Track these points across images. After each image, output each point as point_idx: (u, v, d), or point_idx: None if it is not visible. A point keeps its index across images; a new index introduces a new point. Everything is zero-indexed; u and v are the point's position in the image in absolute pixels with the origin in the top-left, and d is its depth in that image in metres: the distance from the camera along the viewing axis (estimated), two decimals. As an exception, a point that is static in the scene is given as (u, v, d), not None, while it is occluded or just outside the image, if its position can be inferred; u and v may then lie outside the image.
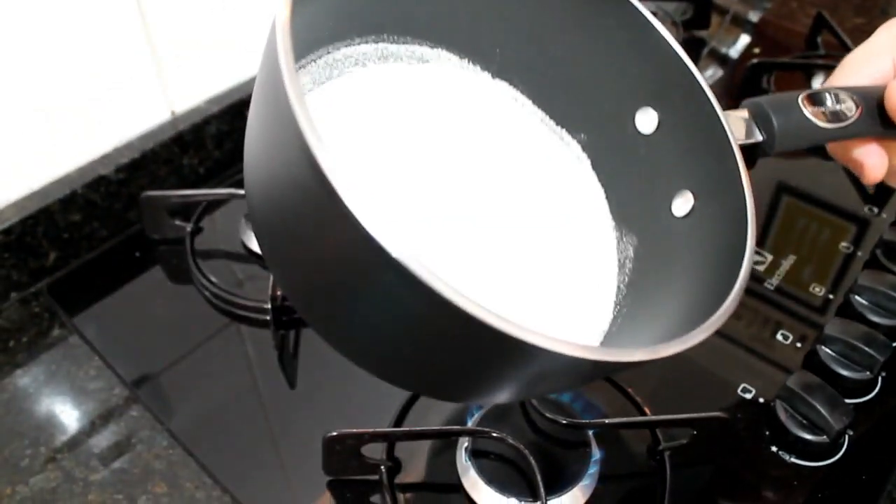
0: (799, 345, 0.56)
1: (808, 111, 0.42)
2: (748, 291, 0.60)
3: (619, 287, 0.43)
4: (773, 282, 0.60)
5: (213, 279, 0.58)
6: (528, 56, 0.45)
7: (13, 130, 0.55)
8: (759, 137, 0.42)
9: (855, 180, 0.70)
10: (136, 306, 0.58)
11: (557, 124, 0.47)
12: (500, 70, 0.46)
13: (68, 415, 0.50)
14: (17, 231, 0.55)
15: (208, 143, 0.66)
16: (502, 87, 0.46)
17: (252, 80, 0.53)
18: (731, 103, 0.42)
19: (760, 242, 0.64)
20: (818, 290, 0.60)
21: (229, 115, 0.66)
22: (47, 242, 0.57)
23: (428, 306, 0.26)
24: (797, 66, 0.80)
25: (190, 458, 0.48)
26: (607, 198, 0.46)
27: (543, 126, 0.47)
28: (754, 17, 0.91)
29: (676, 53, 0.41)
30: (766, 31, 0.89)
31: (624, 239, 0.44)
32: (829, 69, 0.63)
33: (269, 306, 0.54)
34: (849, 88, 0.43)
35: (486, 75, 0.46)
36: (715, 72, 0.83)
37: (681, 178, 0.42)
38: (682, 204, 0.42)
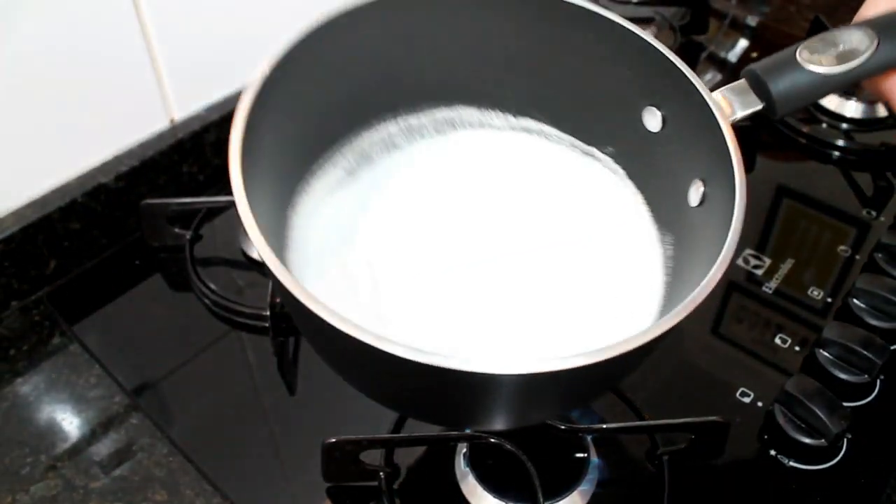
0: (797, 348, 0.56)
1: (808, 63, 0.40)
2: (748, 294, 0.60)
3: (663, 290, 0.44)
4: (772, 285, 0.60)
5: (213, 286, 0.58)
6: (535, 89, 0.48)
7: (13, 139, 0.55)
8: (758, 106, 0.41)
9: (853, 184, 0.70)
10: (136, 314, 0.58)
11: (586, 143, 0.49)
12: (518, 109, 0.49)
13: (69, 423, 0.50)
14: (18, 239, 0.55)
15: (207, 150, 0.66)
16: (528, 123, 0.49)
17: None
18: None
19: (760, 246, 0.64)
20: (817, 294, 0.60)
21: (229, 123, 0.66)
22: (47, 251, 0.58)
23: (410, 372, 0.30)
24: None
25: (190, 466, 0.48)
26: (645, 202, 0.47)
27: (576, 150, 0.49)
28: (752, 21, 0.91)
29: (653, 46, 0.42)
30: (764, 35, 0.89)
31: (664, 240, 0.45)
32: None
33: (268, 313, 0.54)
34: (868, 21, 0.41)
35: (510, 116, 0.49)
36: (714, 76, 0.83)
37: (692, 167, 0.42)
38: (695, 193, 0.42)
